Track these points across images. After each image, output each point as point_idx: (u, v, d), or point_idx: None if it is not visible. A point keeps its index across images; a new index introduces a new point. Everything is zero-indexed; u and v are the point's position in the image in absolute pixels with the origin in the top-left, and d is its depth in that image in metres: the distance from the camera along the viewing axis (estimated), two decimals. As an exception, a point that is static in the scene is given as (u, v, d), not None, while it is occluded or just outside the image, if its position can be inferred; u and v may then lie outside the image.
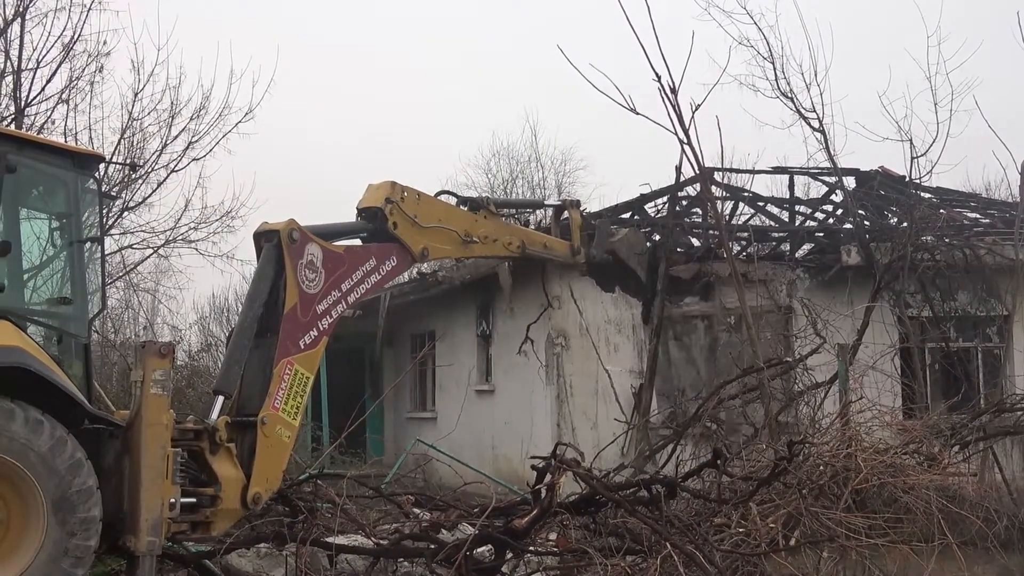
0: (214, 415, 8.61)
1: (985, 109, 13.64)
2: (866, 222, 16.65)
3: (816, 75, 15.26)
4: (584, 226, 12.83)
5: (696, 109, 11.68)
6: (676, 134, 11.80)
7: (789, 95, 15.29)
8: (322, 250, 9.34)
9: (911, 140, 15.05)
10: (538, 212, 18.30)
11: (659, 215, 16.67)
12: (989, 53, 16.99)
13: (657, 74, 11.44)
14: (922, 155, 15.22)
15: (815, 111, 15.29)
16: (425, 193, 10.49)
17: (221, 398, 8.80)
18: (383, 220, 9.92)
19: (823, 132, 15.41)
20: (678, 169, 15.86)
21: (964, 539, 9.00)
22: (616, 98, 11.46)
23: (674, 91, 11.56)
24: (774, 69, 15.28)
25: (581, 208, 13.04)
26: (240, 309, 9.42)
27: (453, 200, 11.22)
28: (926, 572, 8.43)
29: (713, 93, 11.77)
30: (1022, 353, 16.46)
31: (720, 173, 17.16)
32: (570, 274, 16.04)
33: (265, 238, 9.16)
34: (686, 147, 11.90)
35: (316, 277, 9.24)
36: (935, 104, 14.73)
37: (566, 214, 12.18)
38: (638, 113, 11.59)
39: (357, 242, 10.16)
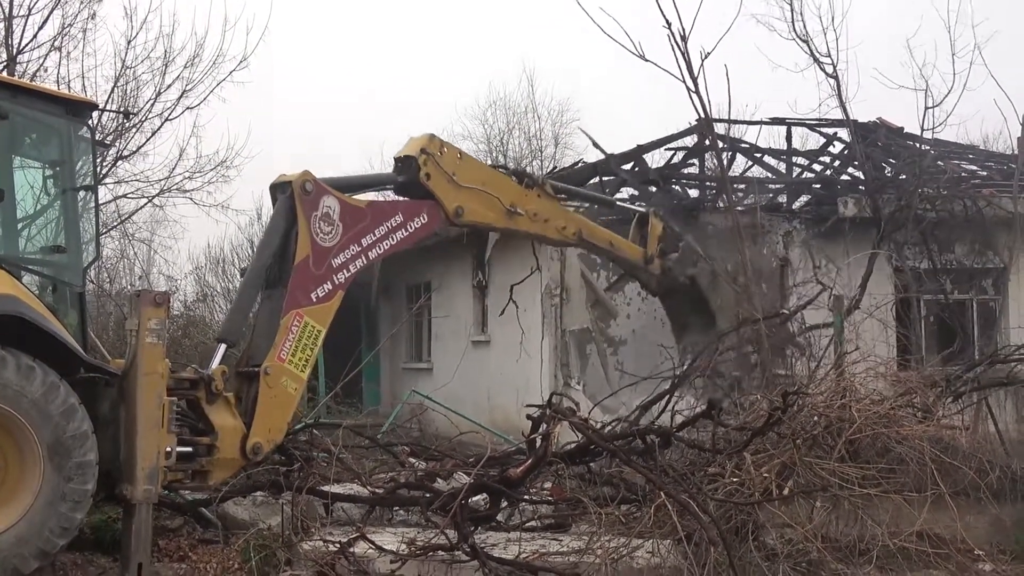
0: (214, 364, 8.63)
1: (999, 60, 13.51)
2: (864, 173, 16.56)
3: (833, 20, 15.16)
4: (665, 237, 12.61)
5: (706, 57, 11.62)
6: (684, 82, 11.74)
7: (805, 38, 15.10)
8: (340, 203, 9.22)
9: (927, 88, 14.88)
10: None
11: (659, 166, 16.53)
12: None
13: (667, 21, 11.34)
14: (936, 106, 15.09)
15: (830, 56, 15.14)
16: (470, 155, 10.30)
17: (223, 347, 8.83)
18: (415, 170, 9.74)
19: (836, 78, 15.26)
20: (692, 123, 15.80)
21: (956, 489, 9.04)
22: (626, 44, 11.41)
23: (684, 39, 11.46)
24: (791, 10, 15.09)
25: (660, 214, 12.77)
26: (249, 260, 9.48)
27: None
28: (918, 521, 8.48)
29: (727, 31, 11.66)
30: (1017, 304, 16.49)
31: (722, 124, 17.02)
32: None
33: (279, 190, 9.14)
34: (693, 95, 11.83)
35: (332, 230, 9.14)
36: (953, 56, 14.58)
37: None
38: (647, 60, 11.51)
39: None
